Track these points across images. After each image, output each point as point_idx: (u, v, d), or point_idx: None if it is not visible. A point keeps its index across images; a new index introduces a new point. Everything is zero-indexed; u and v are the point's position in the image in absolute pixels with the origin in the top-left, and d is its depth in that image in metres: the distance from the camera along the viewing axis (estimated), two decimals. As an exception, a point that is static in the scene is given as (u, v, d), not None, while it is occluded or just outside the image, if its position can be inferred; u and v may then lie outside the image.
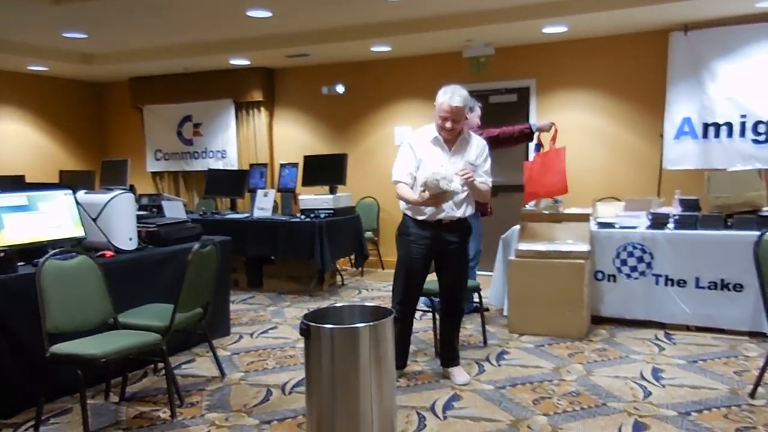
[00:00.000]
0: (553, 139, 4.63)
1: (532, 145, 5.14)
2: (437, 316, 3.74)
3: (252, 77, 7.39)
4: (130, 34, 5.88)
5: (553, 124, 4.61)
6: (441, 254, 3.37)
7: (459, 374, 3.47)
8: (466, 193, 3.28)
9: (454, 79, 6.44)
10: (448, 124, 3.19)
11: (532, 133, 4.64)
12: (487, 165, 3.40)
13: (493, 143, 4.09)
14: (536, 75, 6.26)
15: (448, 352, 3.55)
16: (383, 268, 6.90)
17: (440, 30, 5.48)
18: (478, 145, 3.39)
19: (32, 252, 3.35)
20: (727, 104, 5.27)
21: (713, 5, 4.77)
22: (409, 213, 3.38)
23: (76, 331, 2.93)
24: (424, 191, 3.14)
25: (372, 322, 2.47)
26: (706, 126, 5.38)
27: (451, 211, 3.29)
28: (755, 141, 5.19)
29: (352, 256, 6.56)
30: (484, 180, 3.36)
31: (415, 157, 3.30)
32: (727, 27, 5.20)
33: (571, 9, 4.95)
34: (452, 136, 3.29)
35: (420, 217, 3.31)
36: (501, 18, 5.21)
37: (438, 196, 3.12)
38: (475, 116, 4.44)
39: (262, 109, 7.54)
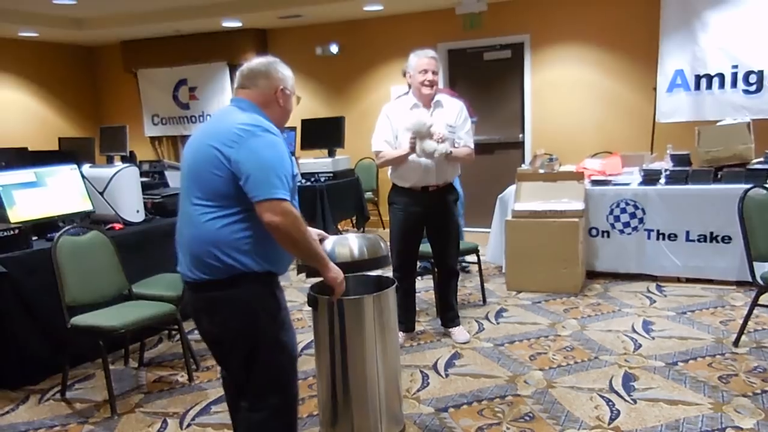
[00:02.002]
0: None
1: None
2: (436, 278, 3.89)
3: (245, 39, 7.32)
4: (119, -1, 5.81)
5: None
6: (430, 220, 3.47)
7: (459, 333, 3.65)
8: (448, 153, 3.28)
9: (448, 37, 6.54)
10: (430, 76, 3.25)
11: None
12: (468, 126, 3.44)
13: None
14: (530, 30, 6.22)
15: (447, 312, 3.71)
16: (384, 228, 7.05)
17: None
18: (454, 107, 3.42)
19: (44, 227, 3.48)
20: (719, 55, 5.28)
21: (708, -45, 4.72)
22: (396, 182, 3.45)
23: (93, 303, 3.09)
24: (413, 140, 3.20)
25: (376, 292, 2.61)
26: (698, 78, 5.41)
27: (433, 177, 3.34)
28: (746, 91, 5.23)
29: (354, 218, 6.70)
30: (465, 142, 3.40)
31: (392, 126, 3.35)
32: (721, -23, 5.16)
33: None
34: (432, 93, 3.32)
35: (407, 185, 3.39)
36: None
37: (422, 145, 3.18)
38: None
39: (256, 71, 7.50)
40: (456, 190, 3.56)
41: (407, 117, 3.25)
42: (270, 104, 1.97)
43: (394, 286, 2.72)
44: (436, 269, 3.77)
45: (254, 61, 2.02)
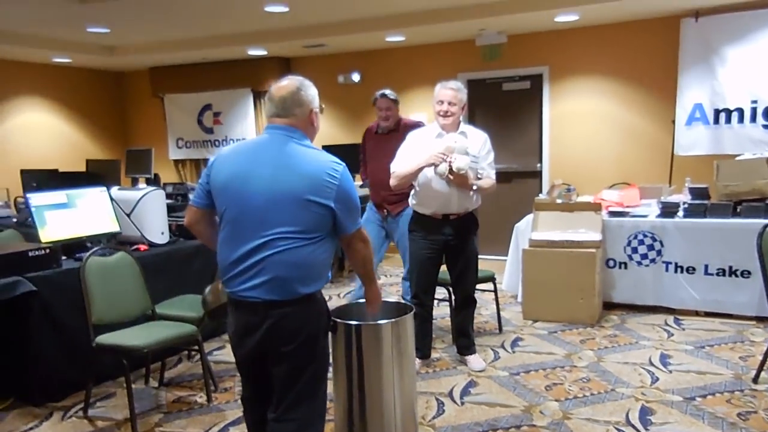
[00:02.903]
0: None
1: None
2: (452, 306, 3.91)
3: (269, 66, 7.52)
4: (151, 27, 6.04)
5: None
6: (450, 248, 3.50)
7: (475, 361, 3.66)
8: (471, 189, 3.36)
9: (468, 67, 6.66)
10: (445, 107, 3.33)
11: None
12: (491, 158, 3.50)
13: None
14: (549, 62, 6.31)
15: (463, 339, 3.73)
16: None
17: (453, 21, 5.56)
18: (479, 138, 3.47)
19: (72, 247, 3.59)
20: (738, 90, 5.31)
21: (725, -9, 4.80)
22: (417, 209, 3.50)
23: (118, 322, 3.17)
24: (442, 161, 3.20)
25: (394, 318, 2.66)
26: (717, 112, 5.43)
27: (455, 206, 3.39)
28: (765, 126, 5.24)
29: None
30: (488, 173, 3.44)
31: (415, 153, 3.36)
32: (738, 13, 5.21)
33: None
34: (451, 124, 3.38)
35: (428, 212, 3.43)
36: (514, 8, 5.27)
37: (430, 160, 3.21)
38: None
39: (279, 97, 7.70)
40: (476, 218, 3.61)
41: (438, 141, 3.31)
42: (307, 127, 2.14)
43: (412, 312, 2.77)
44: (453, 296, 3.80)
45: (283, 89, 2.09)
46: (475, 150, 3.39)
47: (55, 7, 5.03)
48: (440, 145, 3.27)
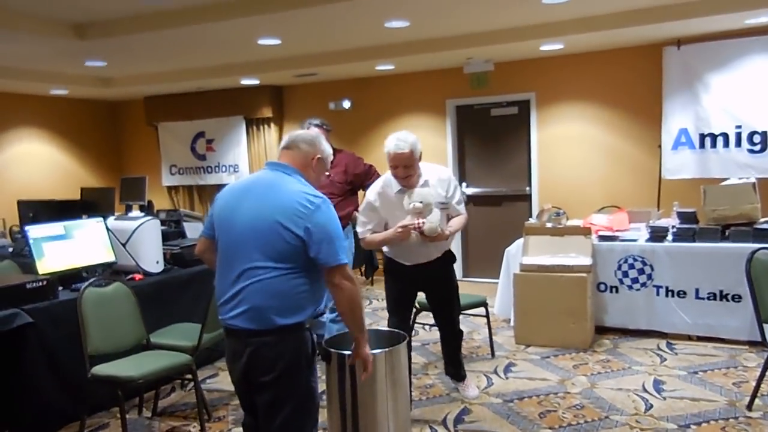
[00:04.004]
0: None
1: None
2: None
3: (262, 95, 7.61)
4: (147, 60, 6.12)
5: None
6: (429, 288, 3.43)
7: (468, 388, 3.64)
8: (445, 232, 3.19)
9: (456, 94, 6.76)
10: (401, 171, 3.06)
11: None
12: (458, 194, 3.31)
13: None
14: (536, 88, 6.43)
15: (454, 368, 3.69)
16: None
17: (441, 51, 5.66)
18: (441, 180, 3.24)
19: (69, 278, 3.62)
20: (722, 115, 5.41)
21: (704, 23, 4.92)
22: (390, 256, 3.33)
23: (113, 353, 3.18)
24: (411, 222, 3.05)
25: (387, 347, 2.65)
26: (702, 136, 5.53)
27: (434, 253, 3.25)
28: (751, 151, 5.33)
29: (362, 267, 6.76)
30: (458, 211, 3.31)
31: (380, 214, 3.20)
32: (719, 41, 5.34)
33: (567, 30, 5.12)
34: (410, 182, 3.13)
35: (405, 262, 3.28)
36: (500, 39, 5.37)
37: (397, 238, 3.07)
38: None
39: (272, 124, 7.77)
40: (453, 253, 3.45)
41: (402, 200, 3.10)
42: (306, 168, 2.24)
43: (406, 341, 2.76)
44: (438, 330, 3.68)
45: (303, 131, 2.39)
46: (441, 194, 3.18)
47: (55, 44, 5.11)
48: (406, 209, 3.07)
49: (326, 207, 2.11)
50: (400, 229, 3.05)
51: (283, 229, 2.05)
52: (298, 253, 2.07)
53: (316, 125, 4.12)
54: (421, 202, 3.05)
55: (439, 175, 3.25)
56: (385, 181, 3.22)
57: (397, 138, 3.06)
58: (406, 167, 3.05)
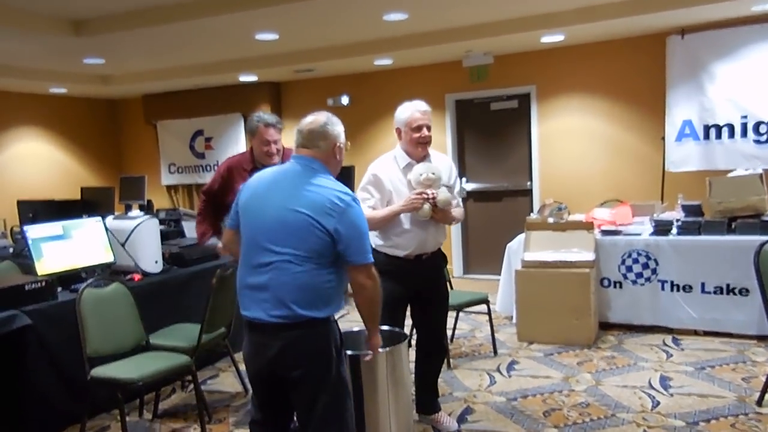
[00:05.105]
0: None
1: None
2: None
3: (260, 91, 7.53)
4: (145, 57, 6.08)
5: None
6: (422, 290, 3.03)
7: (447, 420, 3.15)
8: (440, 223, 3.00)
9: (455, 88, 6.68)
10: (425, 132, 2.91)
11: None
12: (459, 184, 3.18)
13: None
14: (536, 81, 6.33)
15: (430, 397, 3.17)
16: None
17: (440, 44, 5.58)
18: (446, 163, 3.09)
19: (68, 278, 3.57)
20: (727, 106, 5.31)
21: (709, 10, 4.83)
22: (389, 251, 2.95)
23: (113, 354, 3.14)
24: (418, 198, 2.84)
25: (388, 346, 2.59)
26: (707, 128, 5.43)
27: (431, 243, 3.00)
28: (757, 141, 5.24)
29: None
30: (458, 202, 3.10)
31: (384, 189, 2.92)
32: (724, 30, 5.24)
33: (567, 20, 5.03)
34: (426, 150, 2.98)
35: (402, 254, 2.93)
36: (499, 30, 5.29)
37: (409, 206, 2.85)
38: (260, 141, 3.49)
39: (270, 121, 7.70)
40: (445, 254, 3.17)
41: (408, 175, 2.92)
42: (330, 160, 2.24)
43: (407, 340, 2.70)
44: (417, 347, 3.17)
45: (312, 123, 2.24)
46: (445, 178, 2.98)
47: (52, 41, 5.08)
48: (415, 179, 2.88)
49: (356, 205, 2.14)
50: (414, 196, 2.83)
51: (314, 224, 2.07)
52: (328, 247, 2.08)
53: (271, 124, 3.44)
54: (433, 174, 2.88)
55: (442, 157, 3.14)
56: (390, 156, 3.03)
57: (413, 102, 2.97)
58: (428, 127, 2.93)
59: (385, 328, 2.66)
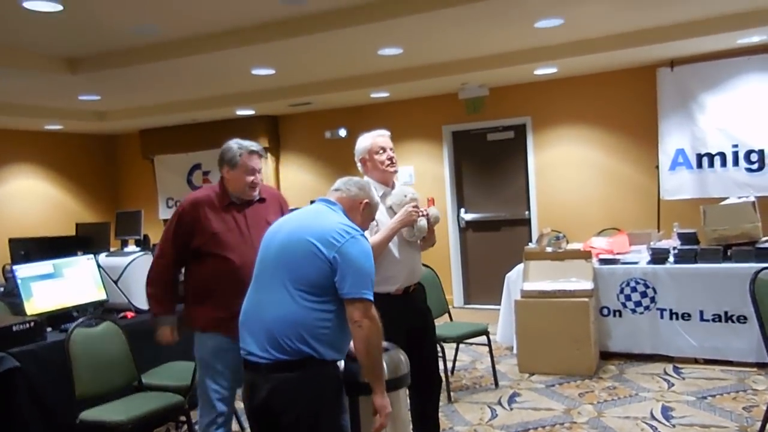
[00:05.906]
0: None
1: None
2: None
3: (257, 125, 7.61)
4: (141, 93, 6.14)
5: None
6: (414, 325, 2.87)
7: None
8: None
9: (451, 120, 6.77)
10: (390, 152, 2.84)
11: None
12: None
13: None
14: (531, 112, 6.43)
15: (431, 431, 3.01)
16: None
17: (436, 77, 5.68)
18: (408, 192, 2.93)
19: (58, 318, 3.51)
20: (718, 135, 5.40)
21: (696, 43, 4.95)
22: (379, 289, 2.42)
23: (104, 395, 3.07)
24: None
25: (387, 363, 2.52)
26: (699, 156, 5.51)
27: (417, 273, 2.93)
28: (749, 169, 5.30)
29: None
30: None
31: (375, 216, 2.77)
32: (712, 62, 5.36)
33: (560, 53, 5.14)
34: (394, 174, 2.91)
35: (392, 288, 2.78)
36: (494, 64, 5.40)
37: (407, 219, 2.74)
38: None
39: (269, 154, 7.74)
40: (423, 285, 3.03)
41: (390, 196, 2.84)
42: (353, 211, 2.23)
43: (407, 373, 2.66)
44: (412, 382, 2.80)
45: (354, 177, 2.37)
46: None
47: (48, 79, 5.13)
48: (398, 202, 2.79)
49: (362, 240, 2.09)
50: (411, 208, 2.72)
51: (314, 251, 2.01)
52: (325, 277, 2.00)
53: (254, 152, 2.95)
54: (414, 194, 2.80)
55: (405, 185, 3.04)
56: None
57: (370, 132, 2.89)
58: (391, 149, 2.86)
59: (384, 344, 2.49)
